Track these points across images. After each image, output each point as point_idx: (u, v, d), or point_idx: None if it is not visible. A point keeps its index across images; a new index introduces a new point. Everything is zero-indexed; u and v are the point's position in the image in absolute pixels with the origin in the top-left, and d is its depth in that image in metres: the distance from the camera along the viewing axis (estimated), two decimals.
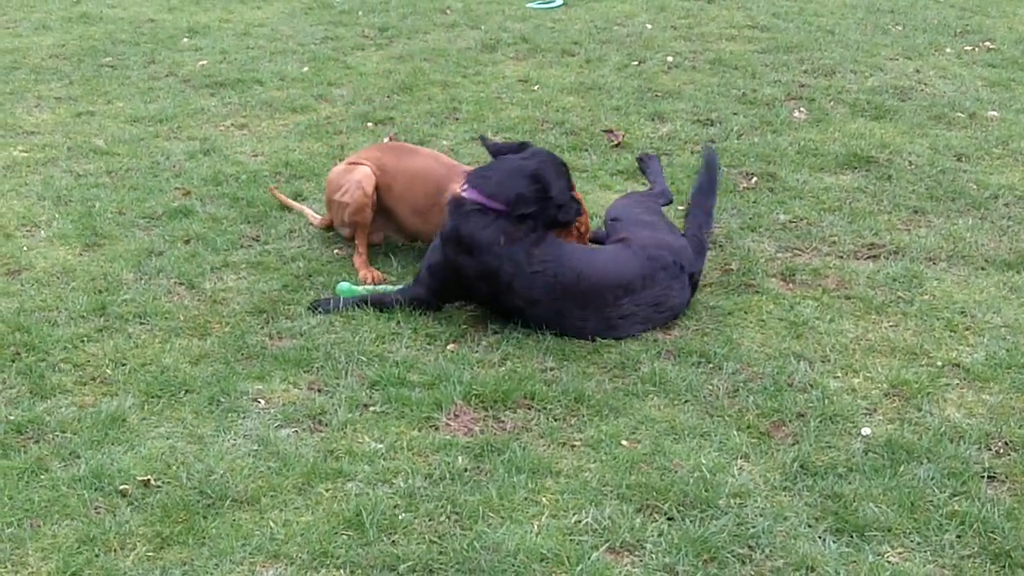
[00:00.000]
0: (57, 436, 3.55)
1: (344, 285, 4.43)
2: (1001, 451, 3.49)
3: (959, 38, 7.97)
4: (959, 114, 6.38)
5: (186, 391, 3.81)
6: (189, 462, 3.41)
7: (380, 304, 4.27)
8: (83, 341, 4.11)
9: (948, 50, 7.63)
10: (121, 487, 3.29)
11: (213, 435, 3.57)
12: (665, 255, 4.16)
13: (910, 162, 5.70)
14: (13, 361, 3.97)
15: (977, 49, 7.71)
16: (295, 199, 5.34)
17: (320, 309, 4.28)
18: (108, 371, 3.92)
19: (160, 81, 7.26)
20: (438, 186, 4.51)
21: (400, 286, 4.46)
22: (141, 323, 4.25)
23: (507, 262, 4.02)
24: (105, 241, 4.93)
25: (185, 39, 8.23)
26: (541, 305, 4.05)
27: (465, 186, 4.13)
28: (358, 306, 4.28)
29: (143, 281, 4.57)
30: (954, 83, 6.93)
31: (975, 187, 5.42)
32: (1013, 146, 5.96)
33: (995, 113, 6.42)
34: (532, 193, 4.03)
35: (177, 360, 3.99)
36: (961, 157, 5.80)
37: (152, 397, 3.77)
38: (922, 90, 6.77)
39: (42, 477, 3.35)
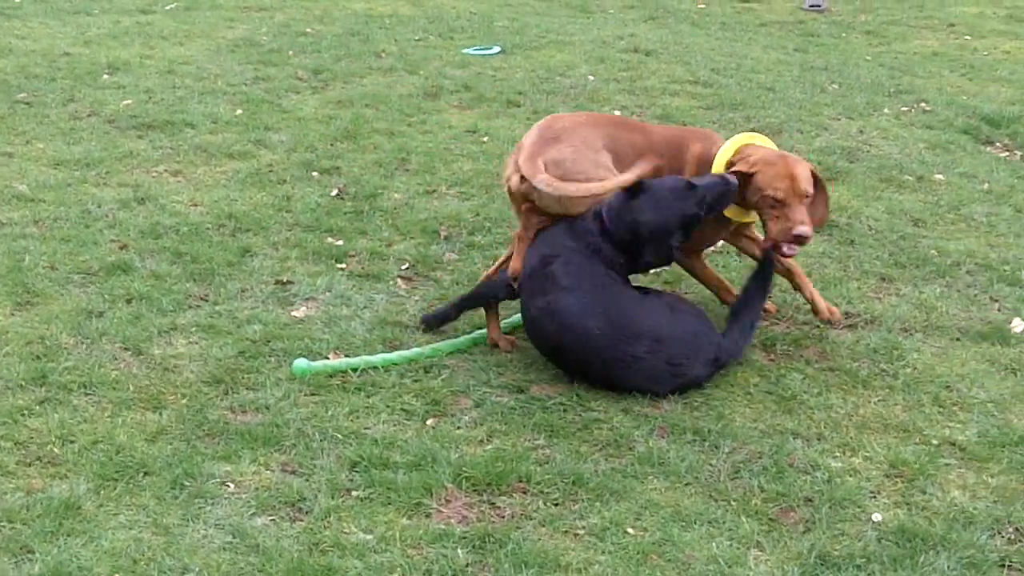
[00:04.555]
0: (5, 527, 3.18)
1: (301, 363, 4.07)
2: (1013, 538, 3.39)
3: (894, 98, 8.06)
4: (908, 177, 6.39)
5: (145, 473, 3.47)
6: (158, 558, 3.08)
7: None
8: (23, 414, 3.73)
9: (886, 110, 7.69)
10: None
11: (180, 524, 3.24)
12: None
13: (870, 226, 5.66)
14: None
15: (913, 110, 7.79)
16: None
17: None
18: (55, 450, 3.56)
19: (82, 121, 6.83)
20: None
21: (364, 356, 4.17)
22: (87, 394, 3.89)
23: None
24: (39, 299, 4.54)
25: (105, 75, 7.80)
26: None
27: None
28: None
29: (84, 346, 4.20)
30: (897, 144, 6.96)
31: (936, 254, 5.39)
32: (964, 211, 5.97)
33: (941, 176, 6.45)
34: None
35: (131, 437, 3.64)
36: (917, 222, 5.78)
37: (108, 480, 3.42)
38: (868, 151, 6.78)
39: None
